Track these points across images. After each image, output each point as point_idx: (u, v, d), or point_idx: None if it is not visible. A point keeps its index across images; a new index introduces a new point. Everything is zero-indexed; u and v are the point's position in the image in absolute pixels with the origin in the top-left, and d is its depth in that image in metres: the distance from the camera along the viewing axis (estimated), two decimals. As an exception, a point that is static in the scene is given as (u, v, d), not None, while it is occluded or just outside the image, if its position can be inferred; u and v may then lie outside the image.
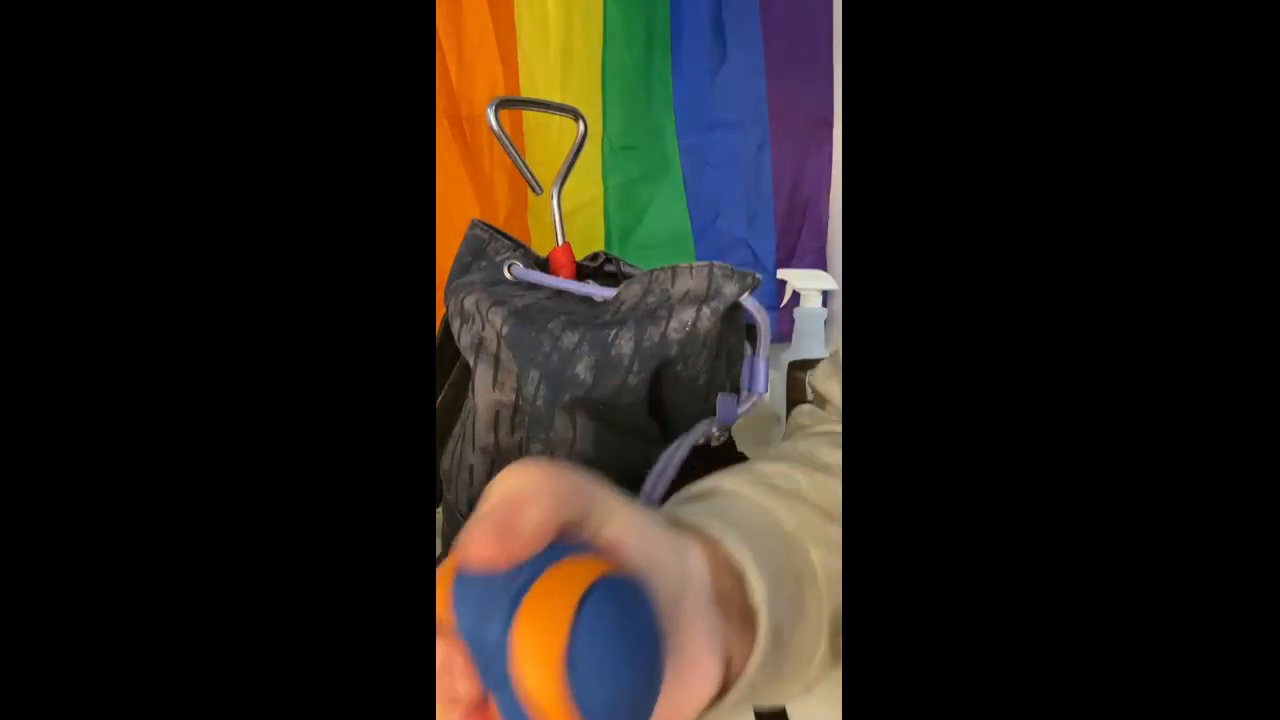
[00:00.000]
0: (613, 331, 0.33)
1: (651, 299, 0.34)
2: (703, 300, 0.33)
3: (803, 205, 0.77)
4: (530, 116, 0.68)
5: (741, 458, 0.45)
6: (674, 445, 0.36)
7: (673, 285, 0.34)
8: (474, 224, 0.41)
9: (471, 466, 0.36)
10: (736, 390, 0.38)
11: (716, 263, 0.34)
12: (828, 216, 0.78)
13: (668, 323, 0.33)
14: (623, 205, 0.73)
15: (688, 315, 0.33)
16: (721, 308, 0.33)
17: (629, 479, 0.37)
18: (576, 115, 0.46)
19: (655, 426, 0.37)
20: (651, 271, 0.35)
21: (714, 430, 0.37)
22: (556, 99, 0.65)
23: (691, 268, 0.34)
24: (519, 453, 0.35)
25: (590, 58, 0.69)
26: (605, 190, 0.72)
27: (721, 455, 0.43)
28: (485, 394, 0.34)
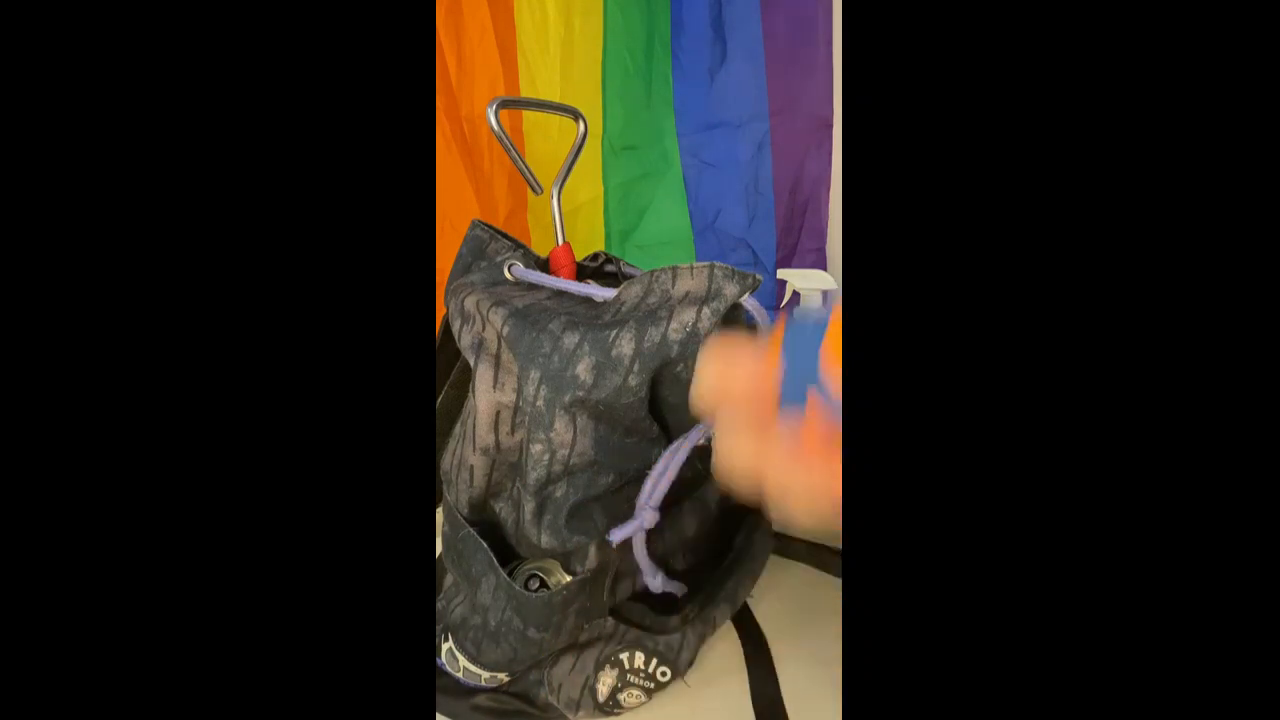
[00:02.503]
0: (613, 332, 0.33)
1: (652, 299, 0.34)
2: (703, 301, 0.33)
3: (803, 205, 0.77)
4: (530, 116, 0.68)
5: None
6: (673, 446, 0.36)
7: (673, 286, 0.34)
8: (474, 224, 0.41)
9: (472, 467, 0.36)
10: None
11: (717, 263, 0.34)
12: (828, 216, 0.78)
13: (668, 323, 0.33)
14: (623, 205, 0.73)
15: (688, 316, 0.33)
16: (722, 308, 0.33)
17: (630, 480, 0.37)
18: (576, 115, 0.46)
19: (655, 427, 0.37)
20: (652, 272, 0.35)
21: (713, 432, 0.37)
22: (556, 99, 0.65)
23: (692, 268, 0.34)
24: (519, 453, 0.35)
25: (590, 58, 0.68)
26: (605, 190, 0.72)
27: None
28: (486, 394, 0.34)
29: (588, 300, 0.36)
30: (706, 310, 0.33)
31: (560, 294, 0.37)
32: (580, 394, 0.33)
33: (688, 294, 0.34)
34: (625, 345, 0.33)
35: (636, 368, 0.33)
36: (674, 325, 0.33)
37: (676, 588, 0.39)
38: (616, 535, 0.36)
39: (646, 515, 0.35)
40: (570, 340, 0.33)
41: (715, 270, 0.33)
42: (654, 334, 0.33)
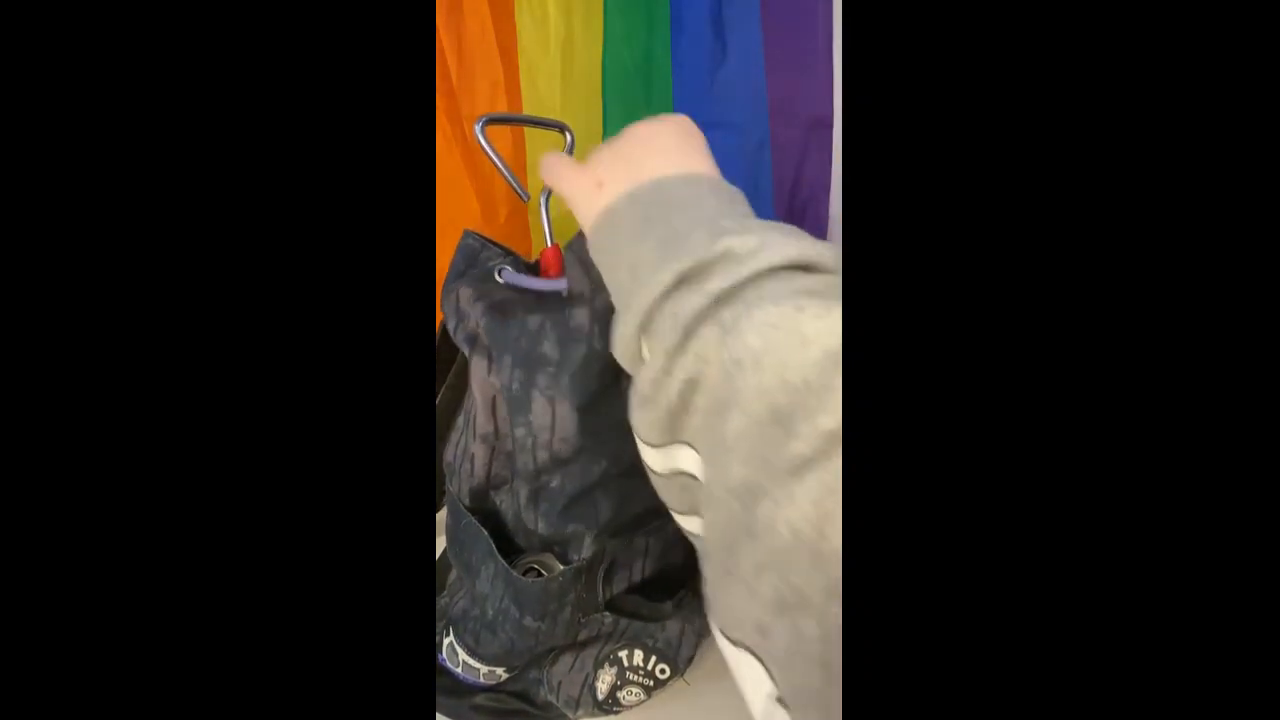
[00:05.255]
0: (568, 308, 0.35)
1: (594, 272, 0.35)
2: None
3: (802, 205, 0.76)
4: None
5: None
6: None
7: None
8: (466, 234, 0.43)
9: (474, 455, 0.38)
10: None
11: None
12: (828, 217, 0.78)
13: None
14: (623, 205, 0.73)
15: None
16: None
17: (626, 469, 0.37)
18: (563, 129, 0.47)
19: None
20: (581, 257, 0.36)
21: None
22: (557, 98, 0.65)
23: None
24: (511, 438, 0.36)
25: (590, 57, 0.68)
26: (605, 190, 0.72)
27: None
28: (480, 382, 0.36)
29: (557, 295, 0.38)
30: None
31: (541, 295, 0.38)
32: (550, 370, 0.34)
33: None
34: (581, 316, 0.34)
35: (597, 331, 0.34)
36: None
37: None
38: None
39: None
40: (534, 321, 0.35)
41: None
42: (603, 297, 0.34)
